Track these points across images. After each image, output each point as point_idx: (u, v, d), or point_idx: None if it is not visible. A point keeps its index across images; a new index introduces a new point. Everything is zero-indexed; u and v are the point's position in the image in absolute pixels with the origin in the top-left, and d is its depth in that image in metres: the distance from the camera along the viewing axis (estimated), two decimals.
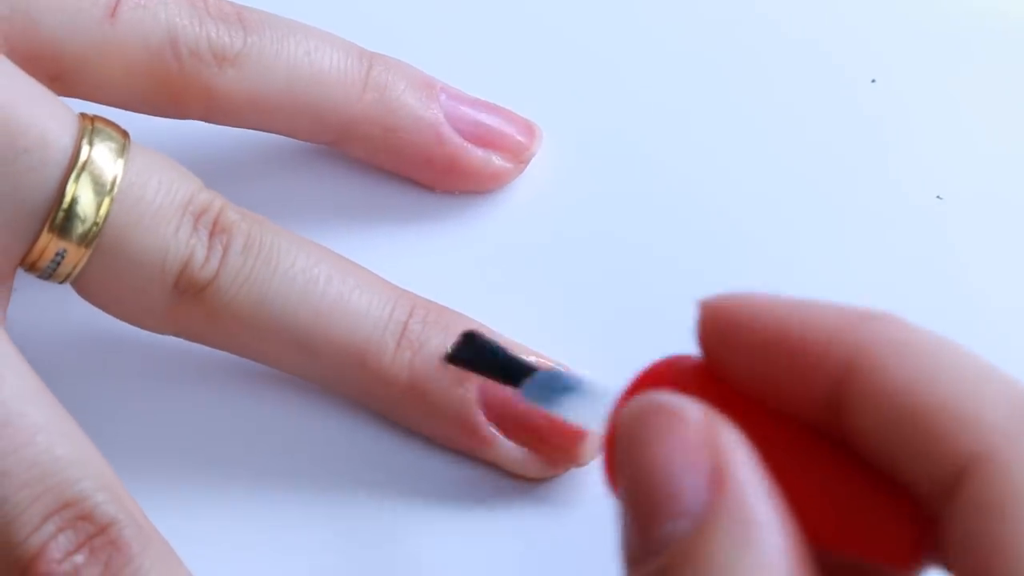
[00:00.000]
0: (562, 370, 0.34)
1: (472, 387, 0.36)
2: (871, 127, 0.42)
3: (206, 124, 0.38)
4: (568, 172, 0.41)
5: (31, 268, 0.34)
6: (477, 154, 0.40)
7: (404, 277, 0.37)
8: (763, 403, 0.27)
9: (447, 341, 0.36)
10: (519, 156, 0.40)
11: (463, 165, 0.40)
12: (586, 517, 0.36)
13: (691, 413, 0.26)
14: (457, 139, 0.39)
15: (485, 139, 0.40)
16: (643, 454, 0.26)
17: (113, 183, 0.34)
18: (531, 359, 0.35)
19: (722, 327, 0.27)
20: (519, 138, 0.40)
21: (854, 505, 0.26)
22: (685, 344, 0.36)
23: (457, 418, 0.36)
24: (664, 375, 0.28)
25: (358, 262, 0.37)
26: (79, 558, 0.30)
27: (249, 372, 0.37)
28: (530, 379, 0.32)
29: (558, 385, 0.31)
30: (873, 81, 0.42)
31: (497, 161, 0.40)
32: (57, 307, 0.38)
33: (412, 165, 0.40)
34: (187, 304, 0.35)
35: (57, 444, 0.31)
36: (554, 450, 0.36)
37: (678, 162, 0.41)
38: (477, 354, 0.34)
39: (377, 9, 0.43)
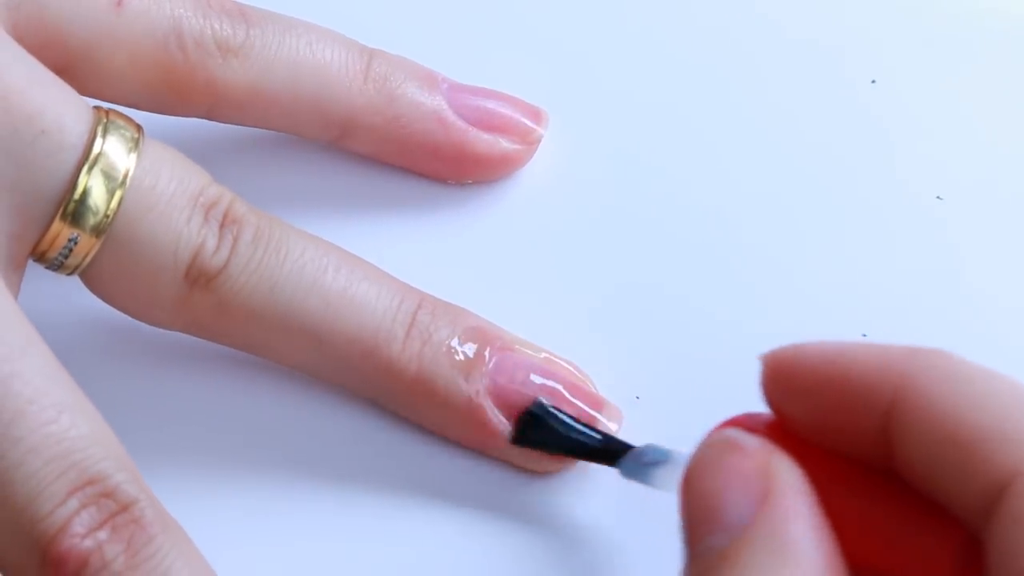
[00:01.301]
0: (644, 448, 0.35)
1: (482, 379, 0.36)
2: (871, 127, 0.42)
3: (213, 124, 0.39)
4: (573, 167, 0.41)
5: (40, 258, 0.35)
6: (483, 138, 0.40)
7: (412, 271, 0.37)
8: (824, 448, 0.29)
9: (453, 335, 0.36)
10: (526, 138, 0.40)
11: (470, 150, 0.40)
12: (596, 513, 0.36)
13: (750, 444, 0.28)
14: (461, 123, 0.39)
15: (491, 123, 0.40)
16: (702, 475, 0.28)
17: (125, 176, 0.34)
18: (596, 435, 0.35)
19: (782, 376, 0.29)
20: (525, 121, 0.40)
21: (902, 535, 0.28)
22: (697, 330, 0.37)
23: (466, 410, 0.36)
24: (738, 425, 0.30)
25: (366, 257, 0.37)
26: (102, 534, 0.30)
27: (255, 368, 0.37)
28: (625, 457, 0.34)
29: (648, 460, 0.33)
30: (873, 82, 0.42)
31: (505, 143, 0.40)
32: (63, 300, 0.38)
33: (419, 155, 0.40)
34: (198, 293, 0.35)
35: (81, 423, 0.31)
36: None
37: (678, 162, 0.41)
38: (546, 434, 0.35)
39: (378, 3, 0.43)
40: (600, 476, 0.36)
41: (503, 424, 0.36)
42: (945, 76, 0.43)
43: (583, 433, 0.35)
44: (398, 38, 0.41)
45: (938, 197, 0.41)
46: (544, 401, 0.36)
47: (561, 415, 0.35)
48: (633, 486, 0.34)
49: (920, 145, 0.42)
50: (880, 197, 0.41)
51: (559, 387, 0.36)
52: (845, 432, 0.29)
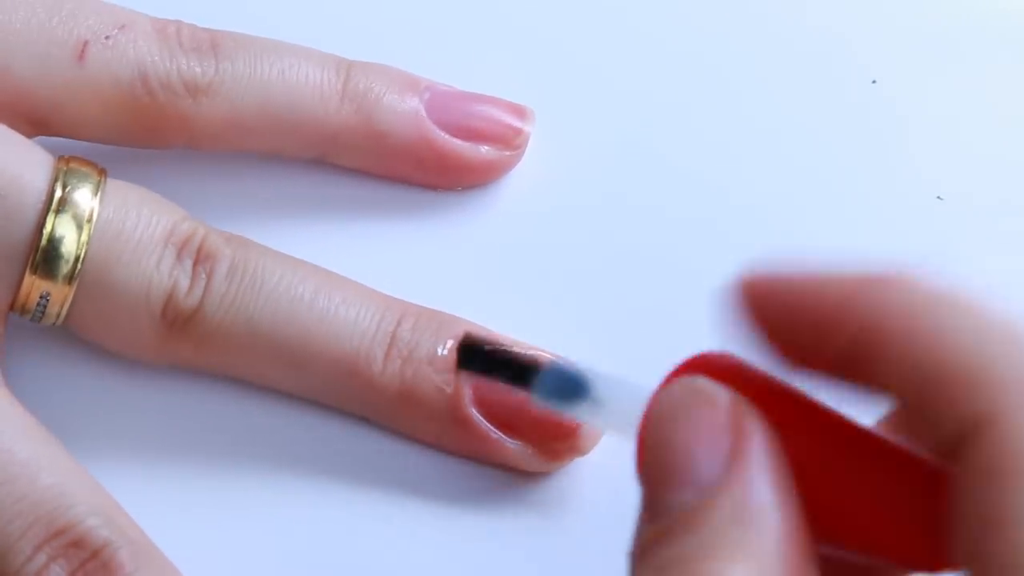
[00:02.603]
0: (573, 367, 0.31)
1: (465, 388, 0.36)
2: (871, 127, 0.42)
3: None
4: (564, 167, 0.41)
5: (22, 312, 0.35)
6: (467, 148, 0.39)
7: (403, 277, 0.37)
8: (795, 397, 0.27)
9: (437, 345, 0.36)
10: (511, 143, 0.40)
11: (453, 161, 0.39)
12: (589, 513, 0.36)
13: (720, 396, 0.27)
14: (443, 137, 0.39)
15: (473, 131, 0.39)
16: (668, 428, 0.27)
17: (90, 218, 0.34)
18: (537, 354, 0.33)
19: (757, 296, 0.28)
20: (510, 122, 0.40)
21: (874, 506, 0.26)
22: (687, 334, 0.37)
23: (452, 419, 0.36)
24: (699, 367, 0.28)
25: (352, 266, 0.37)
26: None
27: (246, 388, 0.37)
28: (540, 378, 0.30)
29: (572, 384, 0.30)
30: (873, 82, 0.42)
31: (486, 152, 0.40)
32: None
33: (402, 169, 0.39)
34: (176, 334, 0.35)
35: (44, 475, 0.32)
36: (553, 441, 0.36)
37: (677, 162, 0.41)
38: (481, 358, 0.34)
39: (362, 6, 0.43)
40: (595, 477, 0.36)
41: (492, 431, 0.36)
42: (945, 76, 0.43)
43: (517, 356, 0.32)
44: (382, 40, 0.41)
45: (938, 197, 0.41)
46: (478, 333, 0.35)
47: (493, 343, 0.33)
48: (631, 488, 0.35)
49: (920, 145, 0.42)
50: (880, 197, 0.41)
51: None
52: (816, 357, 0.27)
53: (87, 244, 0.34)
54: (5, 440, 0.32)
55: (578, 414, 0.30)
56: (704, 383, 0.27)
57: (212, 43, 0.37)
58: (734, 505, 0.25)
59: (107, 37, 0.36)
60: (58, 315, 0.35)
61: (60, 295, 0.34)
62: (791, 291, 0.27)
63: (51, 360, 0.35)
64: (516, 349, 0.33)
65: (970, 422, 0.24)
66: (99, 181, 0.35)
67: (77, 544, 0.31)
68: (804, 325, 0.27)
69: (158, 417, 0.37)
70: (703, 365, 0.28)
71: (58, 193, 0.34)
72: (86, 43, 0.36)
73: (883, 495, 0.26)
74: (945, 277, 0.26)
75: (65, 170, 0.34)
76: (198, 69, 0.37)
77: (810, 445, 0.27)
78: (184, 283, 0.35)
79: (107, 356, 0.37)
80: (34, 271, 0.34)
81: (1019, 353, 0.25)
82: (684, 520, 0.25)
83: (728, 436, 0.26)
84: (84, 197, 0.34)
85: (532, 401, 0.30)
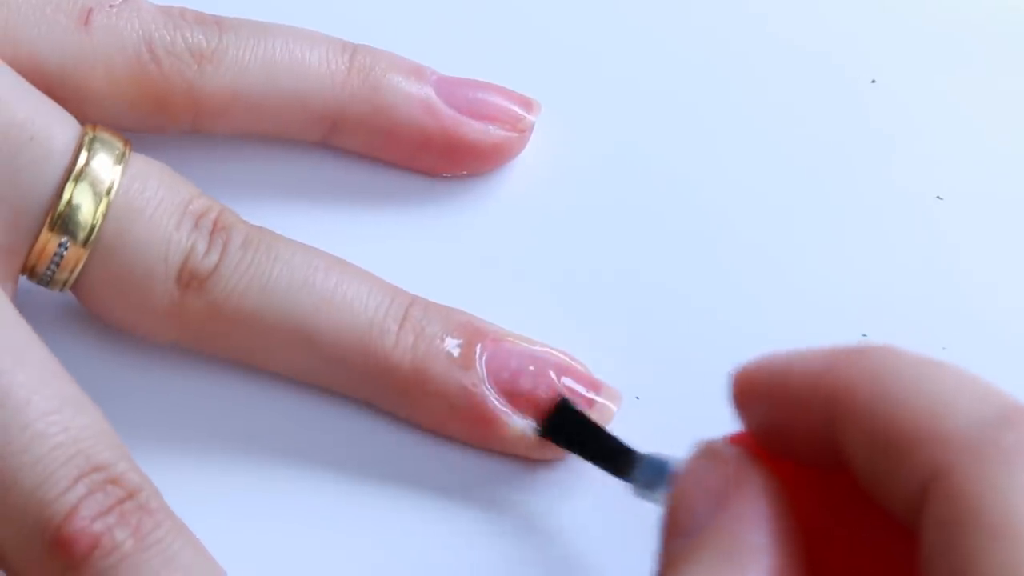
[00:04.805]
0: (664, 458, 0.33)
1: (479, 368, 0.36)
2: (871, 127, 0.42)
3: (200, 137, 0.39)
4: (568, 159, 0.41)
5: (31, 273, 0.35)
6: (474, 125, 0.39)
7: (406, 269, 0.37)
8: (801, 465, 0.29)
9: (448, 328, 0.36)
10: (517, 126, 0.40)
11: (461, 138, 0.39)
12: (591, 508, 0.36)
13: (724, 452, 0.29)
14: (450, 111, 0.39)
15: (481, 112, 0.39)
16: (679, 483, 0.29)
17: (111, 188, 0.34)
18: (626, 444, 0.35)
19: (745, 390, 0.29)
20: (516, 110, 0.40)
21: (874, 544, 0.28)
22: (686, 332, 0.37)
23: (464, 399, 0.36)
24: (743, 441, 0.30)
25: (360, 255, 0.37)
26: (111, 518, 0.31)
27: (250, 370, 0.37)
28: (638, 469, 0.33)
29: (662, 475, 0.32)
30: (873, 81, 0.42)
31: (495, 131, 0.39)
32: (62, 297, 0.38)
33: (409, 147, 0.39)
34: (190, 296, 0.35)
35: (84, 413, 0.32)
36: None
37: (677, 162, 0.41)
38: (573, 429, 0.35)
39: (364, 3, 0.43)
40: (593, 474, 0.36)
41: (503, 411, 0.36)
42: (945, 76, 0.43)
43: (615, 442, 0.35)
44: (387, 33, 0.41)
45: (938, 197, 0.41)
46: (569, 399, 0.35)
47: (586, 413, 0.35)
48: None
49: (920, 145, 0.42)
50: (880, 197, 0.41)
51: (554, 375, 0.36)
52: (802, 440, 0.28)
53: (106, 210, 0.34)
54: (46, 375, 0.32)
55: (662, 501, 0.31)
56: (720, 443, 0.29)
57: (215, 20, 0.38)
58: (721, 540, 0.27)
59: (111, 6, 0.37)
60: (68, 279, 0.35)
61: (75, 255, 0.34)
62: (771, 376, 0.29)
63: (55, 352, 0.35)
64: (608, 430, 0.35)
65: (927, 477, 0.25)
66: (124, 152, 0.35)
67: (114, 482, 0.31)
68: (789, 410, 0.28)
69: (158, 410, 0.37)
70: (741, 439, 0.30)
71: (82, 157, 0.34)
72: (90, 10, 0.36)
73: (880, 540, 0.28)
74: (906, 347, 0.27)
75: (92, 135, 0.35)
76: (202, 38, 0.37)
77: (822, 511, 0.29)
78: (202, 246, 0.35)
79: (109, 352, 0.37)
80: (52, 228, 0.34)
81: (966, 408, 0.26)
82: (680, 557, 0.27)
83: (720, 484, 0.28)
84: (106, 164, 0.34)
85: (630, 491, 0.33)
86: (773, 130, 0.42)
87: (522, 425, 0.36)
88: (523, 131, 0.40)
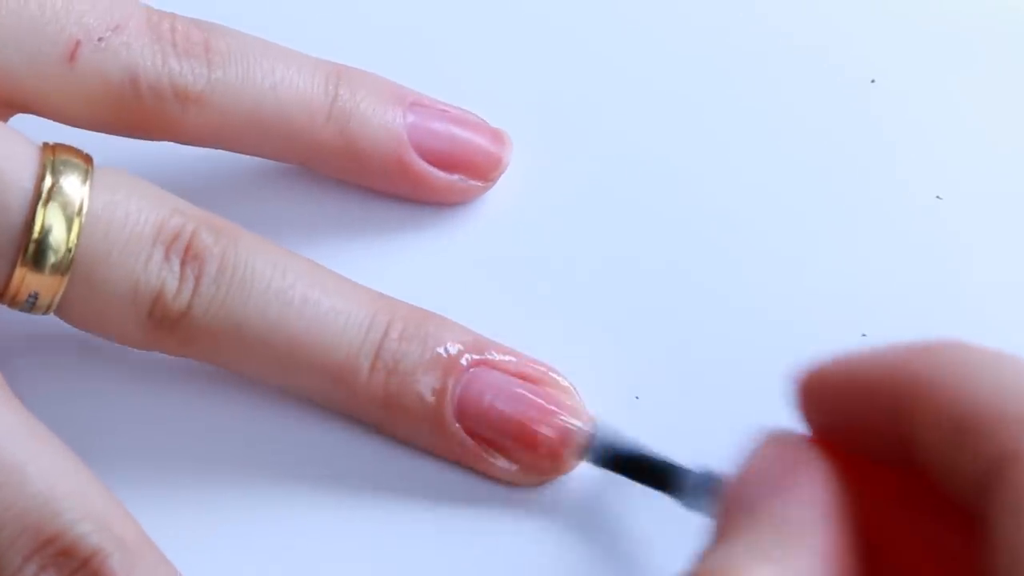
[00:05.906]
0: (711, 469, 0.34)
1: (449, 402, 0.36)
2: (871, 127, 0.42)
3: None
4: (561, 167, 0.41)
5: (12, 303, 0.34)
6: (442, 177, 0.39)
7: (400, 280, 0.37)
8: (862, 460, 0.29)
9: (424, 355, 0.36)
10: (487, 175, 0.40)
11: (429, 190, 0.40)
12: (588, 515, 0.36)
13: (790, 437, 0.29)
14: (422, 165, 0.39)
15: (453, 159, 0.40)
16: (742, 467, 0.29)
17: (80, 208, 0.34)
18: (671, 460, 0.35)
19: (813, 395, 0.30)
20: (489, 148, 0.40)
21: (940, 543, 0.28)
22: (697, 334, 0.37)
23: (435, 432, 0.36)
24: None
25: (347, 263, 0.37)
26: None
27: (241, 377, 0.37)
28: (686, 485, 0.34)
29: (710, 485, 0.32)
30: (873, 81, 0.42)
31: (462, 184, 0.40)
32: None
33: (378, 187, 0.40)
34: (164, 332, 0.35)
35: (33, 480, 0.31)
36: (534, 459, 0.36)
37: (677, 162, 0.41)
38: (615, 458, 0.35)
39: (351, 12, 0.43)
40: (590, 473, 0.36)
41: (480, 455, 0.36)
42: (945, 76, 0.43)
43: (660, 461, 0.35)
44: (370, 51, 0.41)
45: (938, 197, 0.41)
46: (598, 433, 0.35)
47: (621, 440, 0.35)
48: (631, 489, 0.35)
49: (920, 145, 0.42)
50: (880, 197, 0.41)
51: (528, 412, 0.36)
52: (867, 436, 0.29)
53: (79, 234, 0.33)
54: None
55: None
56: (783, 431, 0.29)
57: (206, 46, 0.37)
58: (776, 518, 0.27)
59: (100, 39, 0.36)
60: (49, 306, 0.34)
61: (51, 287, 0.34)
62: (838, 376, 0.29)
63: (47, 356, 0.35)
64: (648, 451, 0.35)
65: (995, 462, 0.25)
66: (87, 169, 0.34)
67: (67, 553, 0.31)
68: (862, 410, 0.28)
69: (154, 416, 0.37)
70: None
71: (47, 183, 0.33)
72: (78, 43, 0.35)
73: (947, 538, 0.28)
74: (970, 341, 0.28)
75: (52, 160, 0.34)
76: (190, 77, 0.36)
77: (882, 506, 0.29)
78: (172, 285, 0.34)
79: (104, 354, 0.37)
80: (25, 263, 0.33)
81: None
82: (731, 531, 0.27)
83: (784, 468, 0.28)
84: (74, 185, 0.34)
85: (681, 505, 0.34)
86: (773, 130, 0.42)
87: (503, 464, 0.36)
88: (491, 181, 0.40)
